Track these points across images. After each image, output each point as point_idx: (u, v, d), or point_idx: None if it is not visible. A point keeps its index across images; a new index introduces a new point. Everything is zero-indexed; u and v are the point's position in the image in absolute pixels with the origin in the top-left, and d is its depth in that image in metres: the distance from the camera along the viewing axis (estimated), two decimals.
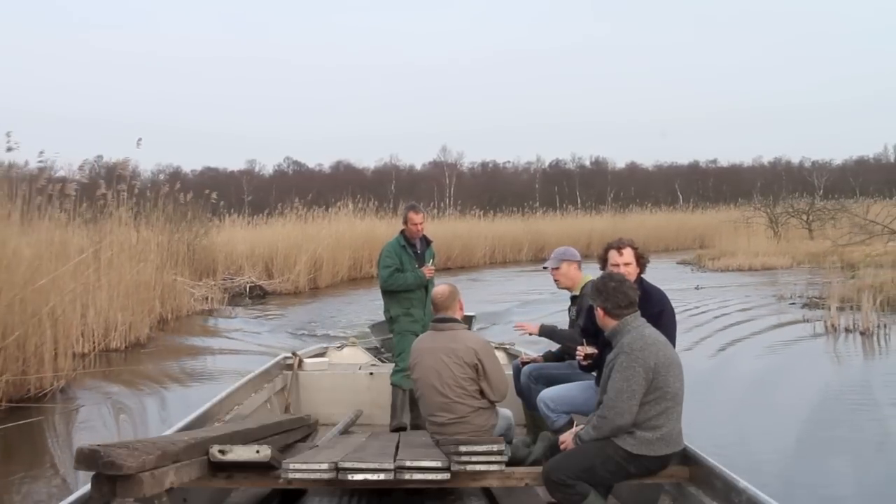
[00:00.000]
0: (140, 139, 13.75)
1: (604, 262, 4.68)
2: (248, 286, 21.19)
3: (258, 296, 20.92)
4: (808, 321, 13.01)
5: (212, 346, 13.37)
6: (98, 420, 8.24)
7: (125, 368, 11.05)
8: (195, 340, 14.02)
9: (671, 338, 4.19)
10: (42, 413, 8.20)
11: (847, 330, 11.99)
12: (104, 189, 13.15)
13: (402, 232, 6.47)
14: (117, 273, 12.66)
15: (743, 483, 3.53)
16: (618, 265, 4.55)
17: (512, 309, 16.36)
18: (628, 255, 4.60)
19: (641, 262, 4.66)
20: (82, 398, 9.16)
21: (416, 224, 6.39)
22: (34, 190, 10.13)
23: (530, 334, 5.39)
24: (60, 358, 9.32)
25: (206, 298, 18.44)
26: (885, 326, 11.97)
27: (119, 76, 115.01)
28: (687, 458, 4.01)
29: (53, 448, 7.44)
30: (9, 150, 9.73)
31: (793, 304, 15.50)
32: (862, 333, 11.75)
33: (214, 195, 21.80)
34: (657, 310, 4.31)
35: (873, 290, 13.37)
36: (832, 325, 12.21)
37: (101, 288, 11.99)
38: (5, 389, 8.18)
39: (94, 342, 11.36)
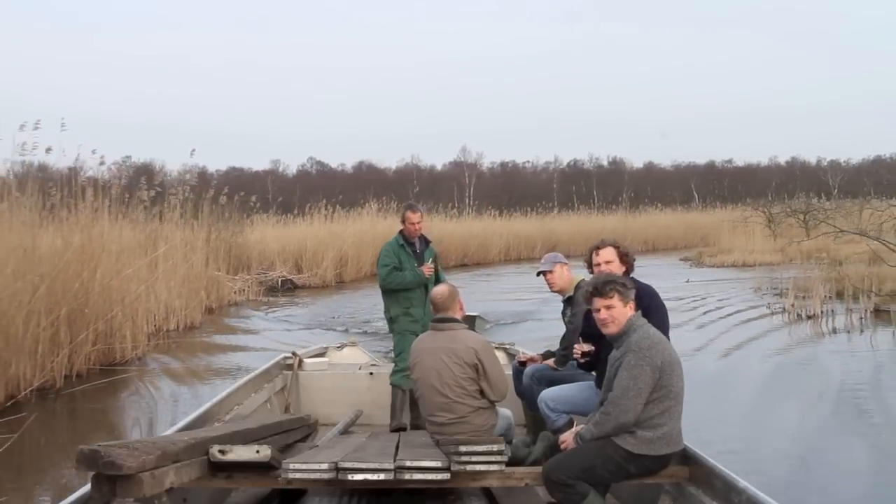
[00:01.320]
0: (193, 150, 16.00)
1: (590, 264, 4.86)
2: (279, 280, 23.21)
3: (289, 289, 22.93)
4: (769, 307, 15.09)
5: (251, 330, 15.46)
6: (166, 380, 10.41)
7: (185, 341, 13.39)
8: (237, 326, 16.20)
9: (664, 331, 4.26)
10: (125, 373, 10.45)
11: (798, 314, 14.08)
12: (180, 195, 15.40)
13: (401, 231, 6.55)
14: (172, 267, 14.84)
15: (743, 483, 3.54)
16: (599, 264, 4.74)
17: (539, 309, 16.51)
18: (606, 253, 4.74)
19: (626, 260, 4.78)
20: (155, 364, 11.39)
21: (413, 223, 6.42)
22: (110, 195, 12.30)
23: (554, 369, 5.30)
24: (137, 334, 11.57)
25: (243, 290, 20.71)
26: (831, 312, 14.01)
27: (141, 78, 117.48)
28: (687, 457, 4.02)
29: (137, 396, 9.62)
30: (101, 164, 11.97)
31: (765, 294, 17.47)
32: (809, 317, 13.91)
33: (248, 197, 23.71)
34: (644, 304, 4.39)
35: (829, 282, 15.34)
36: (788, 311, 14.33)
37: (160, 279, 14.18)
38: (97, 356, 10.44)
39: (157, 324, 13.60)
